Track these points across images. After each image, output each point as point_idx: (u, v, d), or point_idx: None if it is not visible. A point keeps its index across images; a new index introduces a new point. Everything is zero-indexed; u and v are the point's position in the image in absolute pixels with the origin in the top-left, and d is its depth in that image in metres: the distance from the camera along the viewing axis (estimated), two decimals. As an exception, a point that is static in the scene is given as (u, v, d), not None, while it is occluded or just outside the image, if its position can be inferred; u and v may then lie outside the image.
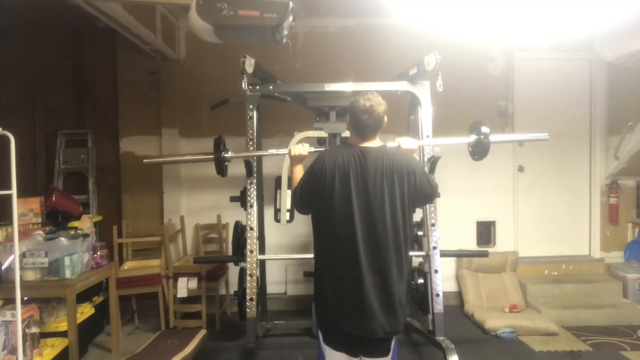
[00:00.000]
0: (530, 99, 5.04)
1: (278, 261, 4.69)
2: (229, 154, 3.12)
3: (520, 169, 5.07)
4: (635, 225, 5.07)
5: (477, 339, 4.02)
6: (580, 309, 4.44)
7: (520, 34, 4.53)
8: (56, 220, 3.92)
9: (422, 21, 4.19)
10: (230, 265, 4.58)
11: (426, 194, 2.25)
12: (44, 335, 3.09)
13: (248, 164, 3.44)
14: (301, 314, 4.55)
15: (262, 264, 4.08)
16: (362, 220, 2.11)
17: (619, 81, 4.93)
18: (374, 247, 2.12)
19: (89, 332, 3.86)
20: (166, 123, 4.80)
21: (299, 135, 3.68)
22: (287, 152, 2.49)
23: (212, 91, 4.40)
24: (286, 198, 3.68)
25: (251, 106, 3.60)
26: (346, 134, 3.33)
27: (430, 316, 3.45)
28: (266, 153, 3.22)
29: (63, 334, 3.19)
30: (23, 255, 3.08)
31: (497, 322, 4.09)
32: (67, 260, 3.17)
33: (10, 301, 2.69)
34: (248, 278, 3.40)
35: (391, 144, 2.34)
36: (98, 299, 3.95)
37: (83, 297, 3.60)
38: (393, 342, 2.29)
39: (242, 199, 3.61)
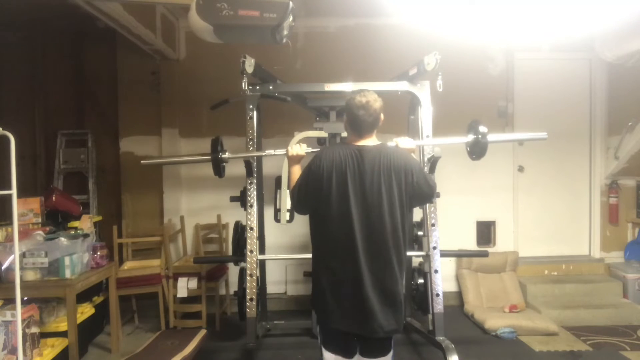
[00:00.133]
0: (530, 99, 5.04)
1: (278, 261, 4.69)
2: (227, 155, 3.12)
3: (520, 169, 5.07)
4: (635, 225, 5.07)
5: (477, 339, 4.02)
6: (580, 309, 4.44)
7: (520, 34, 4.53)
8: (56, 220, 3.92)
9: (422, 21, 4.19)
10: (230, 265, 4.58)
11: (424, 193, 2.24)
12: (44, 335, 3.09)
13: (248, 164, 3.44)
14: (301, 314, 4.55)
15: (262, 264, 4.08)
16: (359, 220, 2.11)
17: (619, 81, 4.93)
18: (373, 247, 2.12)
19: (89, 332, 3.86)
20: (166, 123, 4.80)
21: (299, 135, 3.68)
22: (285, 152, 2.49)
23: (212, 91, 4.40)
24: (286, 198, 3.68)
25: (251, 106, 3.60)
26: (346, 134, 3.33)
27: (430, 316, 3.45)
28: (264, 154, 3.21)
29: (63, 334, 3.19)
30: (23, 255, 3.08)
31: (497, 322, 4.09)
32: (67, 260, 3.17)
33: (10, 301, 2.69)
34: (248, 278, 3.40)
35: (389, 144, 2.34)
36: (98, 299, 3.95)
37: (83, 297, 3.59)
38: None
39: (242, 199, 3.61)
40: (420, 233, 3.71)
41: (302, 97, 3.88)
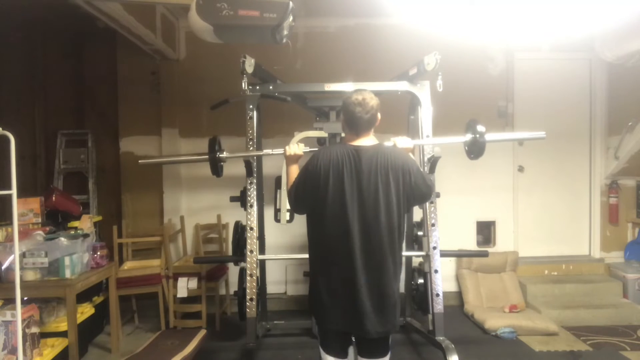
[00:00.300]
0: (530, 99, 5.04)
1: (278, 261, 4.69)
2: (224, 154, 3.12)
3: (520, 169, 5.07)
4: (635, 225, 5.07)
5: (477, 339, 4.02)
6: (580, 309, 4.44)
7: (520, 34, 4.54)
8: (56, 220, 3.93)
9: (422, 21, 4.20)
10: (230, 265, 4.58)
11: (422, 193, 2.24)
12: (44, 335, 3.09)
13: (248, 164, 3.44)
14: (301, 314, 4.55)
15: (262, 264, 4.08)
16: (356, 220, 2.11)
17: (619, 81, 4.93)
18: (369, 247, 2.12)
19: (89, 332, 3.86)
20: (166, 123, 4.80)
21: (299, 135, 3.68)
22: (283, 152, 2.49)
23: (212, 91, 4.40)
24: (286, 198, 3.67)
25: (251, 106, 3.60)
26: (345, 134, 3.33)
27: (430, 316, 3.44)
28: (261, 153, 3.22)
29: (63, 334, 3.19)
30: (23, 255, 3.08)
31: (497, 322, 4.09)
32: (67, 260, 3.17)
33: (10, 301, 2.69)
34: (248, 278, 3.40)
35: (387, 143, 2.34)
36: (98, 299, 3.95)
37: (83, 297, 3.59)
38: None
39: (242, 199, 3.61)
40: (420, 233, 3.71)
41: (302, 97, 3.88)
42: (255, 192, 3.54)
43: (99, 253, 3.61)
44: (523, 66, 5.03)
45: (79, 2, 3.21)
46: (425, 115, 3.58)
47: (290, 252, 4.70)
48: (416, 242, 3.80)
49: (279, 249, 4.64)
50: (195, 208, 4.83)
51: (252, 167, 3.49)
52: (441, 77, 3.25)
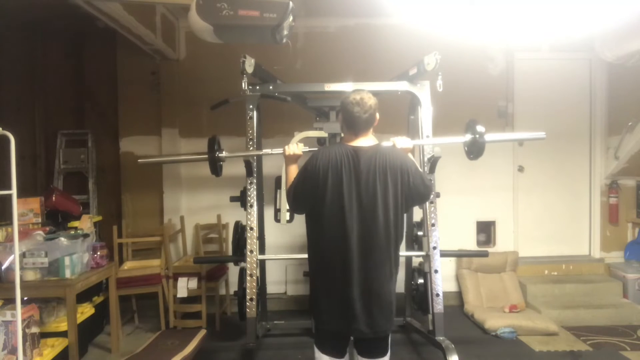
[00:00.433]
0: (530, 99, 5.04)
1: (278, 261, 4.69)
2: (223, 154, 3.13)
3: (520, 169, 5.07)
4: (635, 225, 5.07)
5: (477, 339, 4.02)
6: (580, 309, 4.44)
7: (520, 34, 4.54)
8: (56, 220, 3.92)
9: (422, 21, 4.19)
10: (230, 265, 4.58)
11: (420, 194, 2.24)
12: (44, 335, 3.09)
13: (248, 164, 3.44)
14: (301, 314, 4.55)
15: (262, 264, 4.08)
16: (354, 220, 2.11)
17: (619, 81, 4.93)
18: (365, 247, 2.12)
19: (89, 332, 3.86)
20: (166, 123, 4.80)
21: (299, 135, 3.68)
22: (282, 151, 2.49)
23: (212, 91, 4.40)
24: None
25: (251, 106, 3.60)
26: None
27: (430, 316, 3.44)
28: (261, 153, 3.22)
29: (63, 334, 3.19)
30: (23, 255, 3.08)
31: (497, 322, 4.09)
32: (67, 260, 3.17)
33: (10, 301, 2.69)
34: (248, 278, 3.40)
35: (386, 144, 2.34)
36: (98, 299, 3.95)
37: (83, 297, 3.59)
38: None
39: (242, 199, 3.61)
40: (420, 233, 3.71)
41: (302, 97, 3.88)
42: (255, 192, 3.54)
43: (99, 253, 3.61)
44: (523, 66, 5.03)
45: (79, 2, 3.21)
46: (425, 115, 3.58)
47: (290, 252, 4.69)
48: (416, 242, 3.80)
49: (279, 249, 4.64)
50: (195, 208, 4.83)
51: (252, 167, 3.49)
52: (441, 77, 3.25)
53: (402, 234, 2.25)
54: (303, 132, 3.72)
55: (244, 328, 3.41)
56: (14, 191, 2.44)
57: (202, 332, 3.71)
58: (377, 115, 2.22)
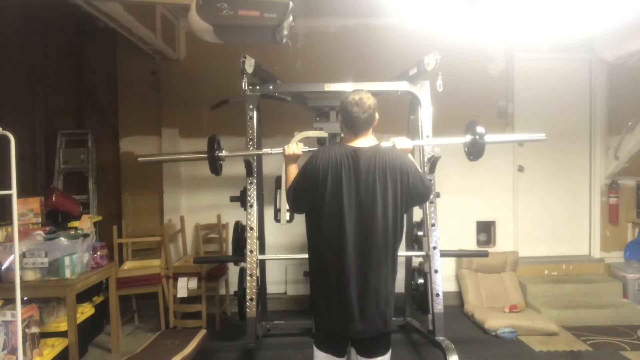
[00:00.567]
0: (530, 99, 5.04)
1: (278, 261, 4.69)
2: (223, 153, 3.13)
3: (520, 169, 5.07)
4: (635, 225, 5.07)
5: (477, 339, 4.02)
6: (580, 309, 4.44)
7: (520, 34, 4.53)
8: (56, 220, 3.92)
9: (422, 21, 4.19)
10: (230, 265, 4.58)
11: (420, 194, 2.24)
12: (44, 335, 3.09)
13: (248, 164, 3.44)
14: (301, 314, 4.55)
15: (262, 264, 4.08)
16: (352, 220, 2.11)
17: (619, 81, 4.93)
18: (364, 247, 2.12)
19: (89, 332, 3.86)
20: (166, 123, 4.80)
21: (299, 135, 3.68)
22: (282, 151, 2.49)
23: (212, 91, 4.40)
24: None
25: (251, 106, 3.60)
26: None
27: (430, 316, 3.44)
28: (260, 152, 3.22)
29: (63, 334, 3.19)
30: (23, 255, 3.08)
31: (497, 322, 4.09)
32: (67, 260, 3.17)
33: (10, 301, 2.69)
34: (248, 278, 3.40)
35: (386, 144, 2.34)
36: (98, 299, 3.95)
37: (83, 297, 3.59)
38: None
39: (242, 199, 3.61)
40: (420, 233, 3.71)
41: (302, 97, 3.88)
42: (255, 192, 3.53)
43: (99, 253, 3.61)
44: (523, 66, 5.03)
45: (79, 2, 3.21)
46: (425, 115, 3.58)
47: (290, 252, 4.70)
48: (416, 242, 3.80)
49: (279, 249, 4.64)
50: (195, 208, 4.83)
51: (252, 167, 3.49)
52: (441, 77, 3.24)
53: (401, 234, 2.24)
54: (303, 132, 3.72)
55: (244, 328, 3.41)
56: (14, 191, 2.44)
57: (202, 332, 3.71)
58: (377, 115, 2.22)
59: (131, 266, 4.34)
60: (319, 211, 2.16)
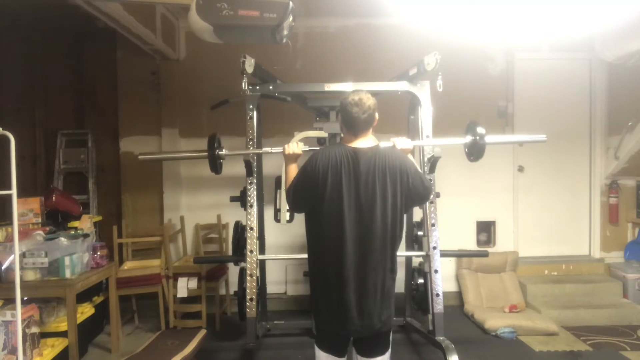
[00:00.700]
0: (530, 99, 5.04)
1: (278, 261, 4.69)
2: (223, 152, 3.13)
3: (520, 169, 5.07)
4: (635, 225, 5.07)
5: (477, 339, 4.02)
6: (580, 309, 4.44)
7: (520, 34, 4.54)
8: (56, 220, 3.92)
9: (422, 21, 4.20)
10: (230, 265, 4.58)
11: (419, 194, 2.24)
12: (44, 335, 3.09)
13: (248, 164, 3.44)
14: (301, 314, 4.55)
15: (262, 264, 4.08)
16: (352, 221, 2.11)
17: (619, 81, 4.93)
18: (363, 248, 2.13)
19: (89, 332, 3.86)
20: (166, 123, 4.80)
21: (299, 135, 3.67)
22: (282, 150, 2.50)
23: (212, 91, 4.40)
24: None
25: (251, 106, 3.60)
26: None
27: (430, 316, 3.44)
28: (260, 151, 3.22)
29: (63, 334, 3.19)
30: (23, 255, 3.08)
31: (497, 322, 4.09)
32: (67, 260, 3.17)
33: (10, 301, 2.69)
34: (248, 278, 3.40)
35: (386, 144, 2.34)
36: (98, 299, 3.95)
37: (83, 297, 3.60)
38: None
39: (242, 199, 3.61)
40: (420, 233, 3.71)
41: (302, 97, 3.88)
42: (255, 192, 3.53)
43: (99, 253, 3.61)
44: (523, 66, 5.03)
45: (79, 2, 3.21)
46: (425, 115, 3.58)
47: (290, 252, 4.70)
48: (416, 242, 3.80)
49: (279, 249, 4.64)
50: (195, 208, 4.83)
51: (252, 167, 3.49)
52: (441, 77, 3.24)
53: (401, 235, 2.24)
54: (303, 132, 3.72)
55: (244, 328, 3.41)
56: (14, 191, 2.44)
57: (202, 332, 3.71)
58: (377, 116, 2.22)
59: (131, 266, 4.34)
60: (318, 211, 2.16)
